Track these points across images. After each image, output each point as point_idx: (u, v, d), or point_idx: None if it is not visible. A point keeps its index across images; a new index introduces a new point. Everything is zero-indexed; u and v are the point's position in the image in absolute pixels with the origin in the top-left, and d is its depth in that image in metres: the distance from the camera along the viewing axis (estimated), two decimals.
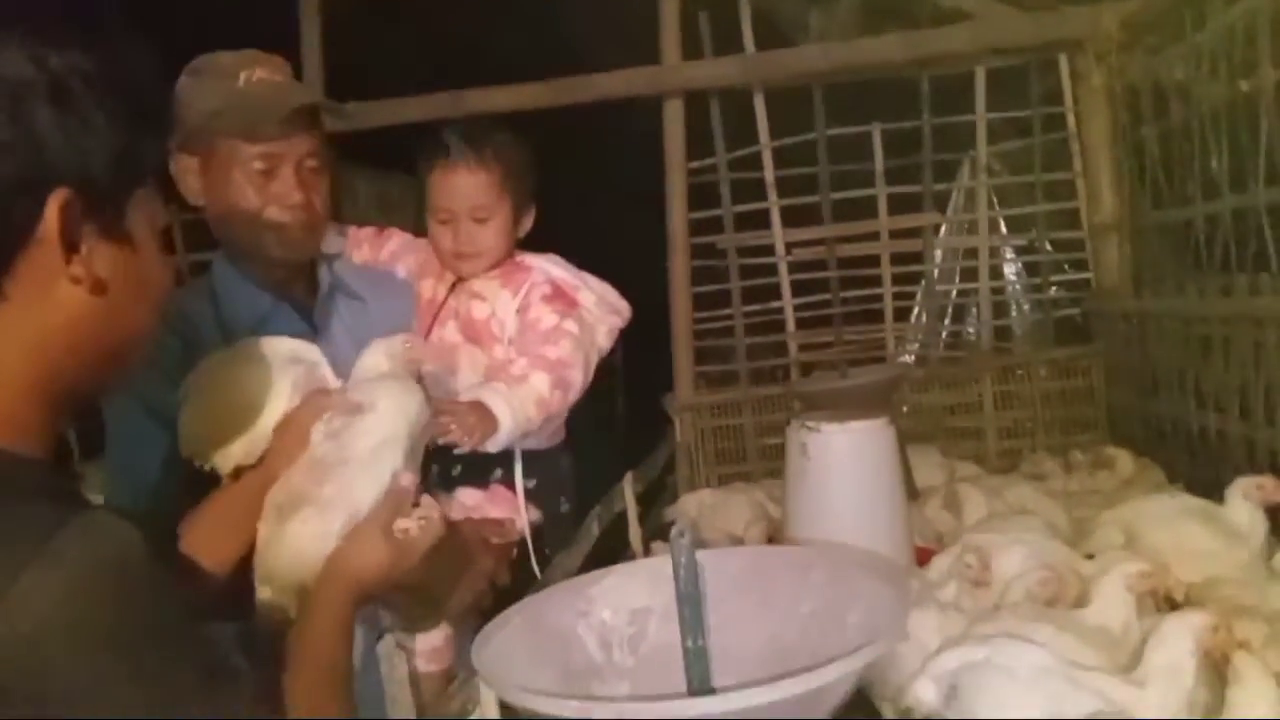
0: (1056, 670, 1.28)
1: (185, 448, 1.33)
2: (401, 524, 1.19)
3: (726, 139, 3.29)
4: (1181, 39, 2.48)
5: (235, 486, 1.29)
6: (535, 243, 2.02)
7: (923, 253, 3.37)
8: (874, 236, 3.33)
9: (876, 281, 3.34)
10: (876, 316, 3.35)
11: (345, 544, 1.17)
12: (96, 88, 0.83)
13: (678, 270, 3.24)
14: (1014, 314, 3.81)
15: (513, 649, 1.15)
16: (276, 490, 1.22)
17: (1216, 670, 1.29)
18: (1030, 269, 3.66)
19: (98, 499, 1.15)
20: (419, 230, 2.05)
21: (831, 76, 3.17)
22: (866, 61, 3.12)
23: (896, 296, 3.36)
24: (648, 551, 2.14)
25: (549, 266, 1.97)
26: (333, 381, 1.35)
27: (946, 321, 3.79)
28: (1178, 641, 1.29)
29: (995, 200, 3.58)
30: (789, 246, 3.33)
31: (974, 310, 3.59)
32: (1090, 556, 1.73)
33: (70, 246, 0.83)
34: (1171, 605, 1.58)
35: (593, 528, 2.04)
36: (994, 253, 3.50)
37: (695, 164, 3.25)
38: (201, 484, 1.32)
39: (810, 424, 1.82)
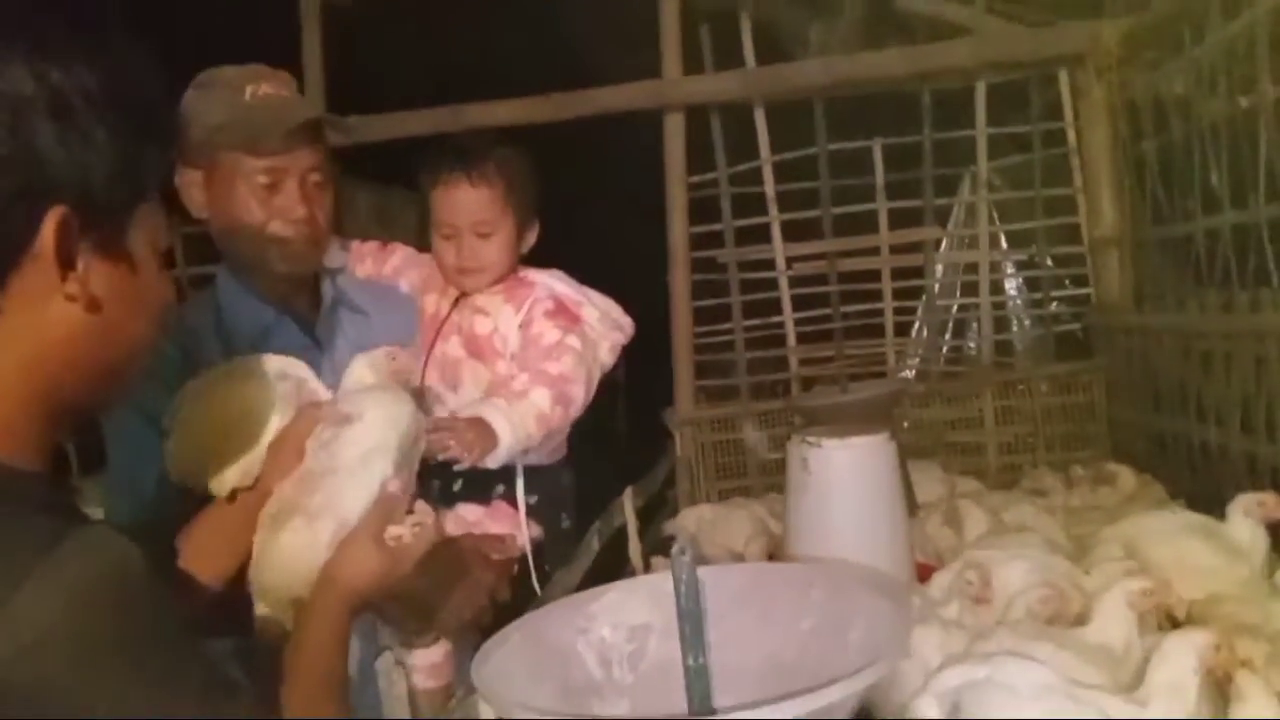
0: (1059, 688, 1.28)
1: (177, 476, 1.31)
2: (394, 531, 1.18)
3: (727, 153, 3.29)
4: (1181, 54, 2.48)
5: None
6: (536, 256, 2.02)
7: (923, 267, 3.37)
8: (875, 251, 3.32)
9: (877, 296, 3.33)
10: (877, 331, 3.34)
11: (337, 553, 1.16)
12: (98, 103, 0.83)
13: (678, 284, 3.23)
14: (1015, 329, 3.79)
15: (512, 666, 1.14)
16: (270, 502, 1.22)
17: (1219, 689, 1.29)
18: (1031, 284, 3.64)
19: (96, 513, 1.14)
20: (419, 244, 2.05)
21: (832, 91, 3.17)
22: (867, 76, 3.12)
23: (897, 311, 3.35)
24: (648, 567, 2.12)
25: (552, 282, 1.97)
26: (323, 394, 1.35)
27: (947, 336, 3.77)
28: (1180, 660, 1.28)
29: (996, 215, 3.57)
30: (790, 261, 3.32)
31: (975, 325, 3.57)
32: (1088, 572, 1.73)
33: (66, 264, 0.83)
34: (1173, 623, 1.57)
35: (593, 543, 2.03)
36: (995, 268, 3.49)
37: (696, 178, 3.24)
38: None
39: (811, 439, 1.81)
